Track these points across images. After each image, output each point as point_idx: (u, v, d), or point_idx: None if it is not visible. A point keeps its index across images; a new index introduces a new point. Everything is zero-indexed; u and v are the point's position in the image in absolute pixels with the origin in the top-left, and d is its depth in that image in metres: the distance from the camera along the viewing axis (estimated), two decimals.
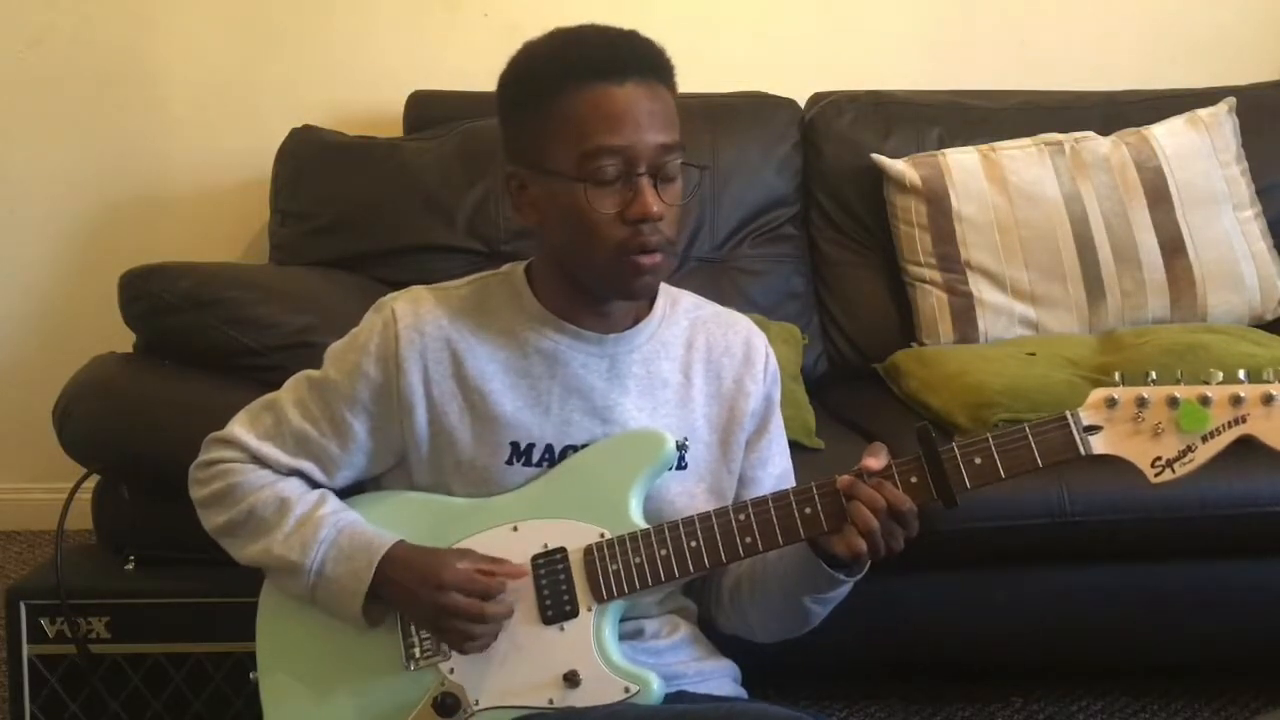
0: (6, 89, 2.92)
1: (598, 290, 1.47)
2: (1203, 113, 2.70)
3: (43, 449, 2.22)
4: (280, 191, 2.65)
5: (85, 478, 2.00)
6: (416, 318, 1.48)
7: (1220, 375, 1.35)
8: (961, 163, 2.62)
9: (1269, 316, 2.62)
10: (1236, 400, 1.33)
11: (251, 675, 1.54)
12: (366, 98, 2.92)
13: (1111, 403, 1.35)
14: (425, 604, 1.42)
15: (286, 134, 2.68)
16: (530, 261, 1.55)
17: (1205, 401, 1.34)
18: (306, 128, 2.71)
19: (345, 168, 2.63)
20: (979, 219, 2.58)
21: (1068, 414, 1.36)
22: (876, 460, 1.38)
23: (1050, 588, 2.13)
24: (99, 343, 2.22)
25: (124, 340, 2.20)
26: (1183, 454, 1.34)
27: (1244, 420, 1.33)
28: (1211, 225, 2.60)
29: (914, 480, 1.37)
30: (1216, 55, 3.06)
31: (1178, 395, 1.34)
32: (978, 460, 1.36)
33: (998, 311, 2.56)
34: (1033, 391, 2.13)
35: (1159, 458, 1.35)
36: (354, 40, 2.95)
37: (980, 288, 2.56)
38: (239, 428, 1.53)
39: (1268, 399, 1.33)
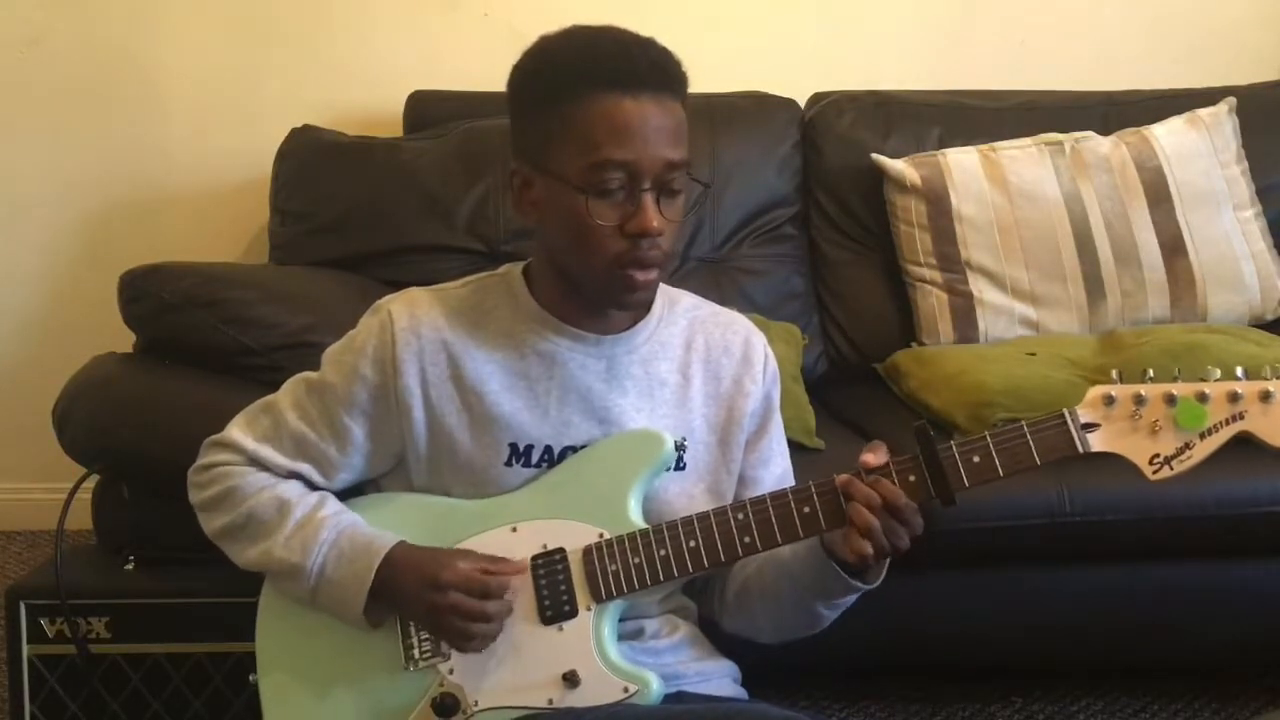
0: (6, 89, 2.92)
1: (591, 296, 1.47)
2: (1203, 113, 2.70)
3: (43, 449, 2.22)
4: (280, 191, 2.65)
5: (85, 478, 2.00)
6: (413, 320, 1.48)
7: (1218, 372, 1.35)
8: (961, 163, 2.62)
9: (1269, 316, 2.62)
10: (1234, 397, 1.33)
11: (251, 677, 1.54)
12: (366, 98, 2.92)
13: (1109, 400, 1.35)
14: (425, 604, 1.42)
15: (286, 134, 2.68)
16: (528, 262, 1.54)
17: (1203, 398, 1.34)
18: (306, 128, 2.71)
19: (345, 168, 2.63)
20: (979, 219, 2.58)
21: (1065, 412, 1.36)
22: (875, 456, 1.38)
23: (1050, 588, 2.13)
24: (99, 343, 2.22)
25: (124, 340, 2.20)
26: (1180, 451, 1.34)
27: (1241, 417, 1.33)
28: (1211, 225, 2.60)
29: (912, 479, 1.37)
30: (1216, 55, 3.06)
31: (1175, 392, 1.34)
32: (976, 459, 1.36)
33: (998, 311, 2.56)
34: (1033, 391, 2.13)
35: (1157, 455, 1.35)
36: (354, 40, 2.95)
37: (980, 288, 2.56)
38: (236, 431, 1.53)
39: (1265, 396, 1.33)
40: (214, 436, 1.54)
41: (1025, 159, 2.63)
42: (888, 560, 1.43)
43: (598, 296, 1.46)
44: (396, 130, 2.80)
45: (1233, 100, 2.73)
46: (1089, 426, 1.35)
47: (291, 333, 2.09)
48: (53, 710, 1.92)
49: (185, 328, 2.08)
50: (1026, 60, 3.03)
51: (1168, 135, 2.66)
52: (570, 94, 1.38)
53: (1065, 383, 2.15)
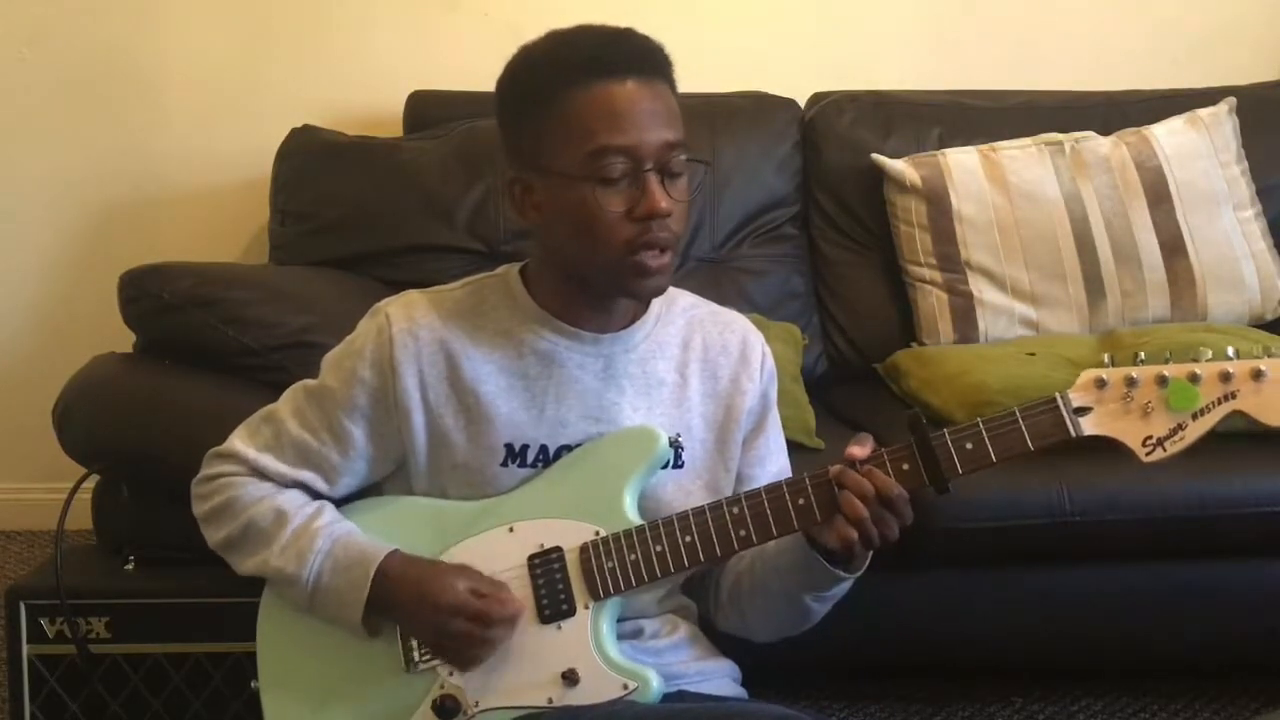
0: (6, 89, 2.92)
1: (604, 289, 1.47)
2: (1203, 113, 2.70)
3: (43, 449, 2.23)
4: (280, 191, 2.65)
5: (85, 478, 2.00)
6: (411, 322, 1.48)
7: (1209, 353, 1.34)
8: (961, 163, 2.62)
9: (1269, 316, 2.61)
10: (1225, 376, 1.32)
11: (252, 684, 1.54)
12: (366, 98, 2.92)
13: (1101, 383, 1.35)
14: (425, 624, 1.43)
15: (286, 134, 2.68)
16: (525, 263, 1.55)
17: (1194, 379, 1.33)
18: (306, 128, 2.71)
19: (345, 168, 2.63)
20: (979, 219, 2.58)
21: (1058, 395, 1.36)
22: (861, 449, 1.38)
23: (1050, 588, 2.13)
24: (99, 343, 2.22)
25: (124, 340, 2.20)
26: (1173, 432, 1.33)
27: (1234, 396, 1.32)
28: (1211, 225, 2.60)
29: (906, 467, 1.37)
30: (1216, 55, 3.05)
31: (1166, 374, 1.33)
32: (969, 445, 1.36)
33: (998, 311, 2.56)
34: (1032, 391, 2.08)
35: (1149, 437, 1.34)
36: (354, 40, 2.95)
37: (980, 288, 2.56)
38: (238, 441, 1.53)
39: (1257, 374, 1.32)
40: (216, 448, 1.55)
41: (1025, 159, 2.63)
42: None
43: (610, 287, 1.46)
44: (396, 130, 2.80)
45: (1233, 100, 2.73)
46: (1081, 410, 1.35)
47: (291, 333, 2.09)
48: (53, 710, 1.92)
49: (185, 328, 2.08)
50: (1026, 60, 3.03)
51: (1168, 135, 2.66)
52: (558, 90, 1.39)
53: (1065, 382, 2.10)
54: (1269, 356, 1.32)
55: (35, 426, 2.26)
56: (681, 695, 1.47)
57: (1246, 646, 2.21)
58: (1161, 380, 1.34)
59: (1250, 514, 2.04)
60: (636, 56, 1.40)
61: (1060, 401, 1.36)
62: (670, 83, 1.43)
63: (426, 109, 2.78)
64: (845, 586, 1.47)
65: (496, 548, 1.44)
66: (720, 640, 1.60)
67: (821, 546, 1.41)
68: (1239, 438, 1.35)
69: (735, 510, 1.41)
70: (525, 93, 1.43)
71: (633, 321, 1.52)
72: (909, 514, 1.37)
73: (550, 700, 1.41)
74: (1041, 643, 2.18)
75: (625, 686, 1.40)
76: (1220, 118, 2.69)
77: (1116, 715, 2.25)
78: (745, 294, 2.60)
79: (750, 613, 1.55)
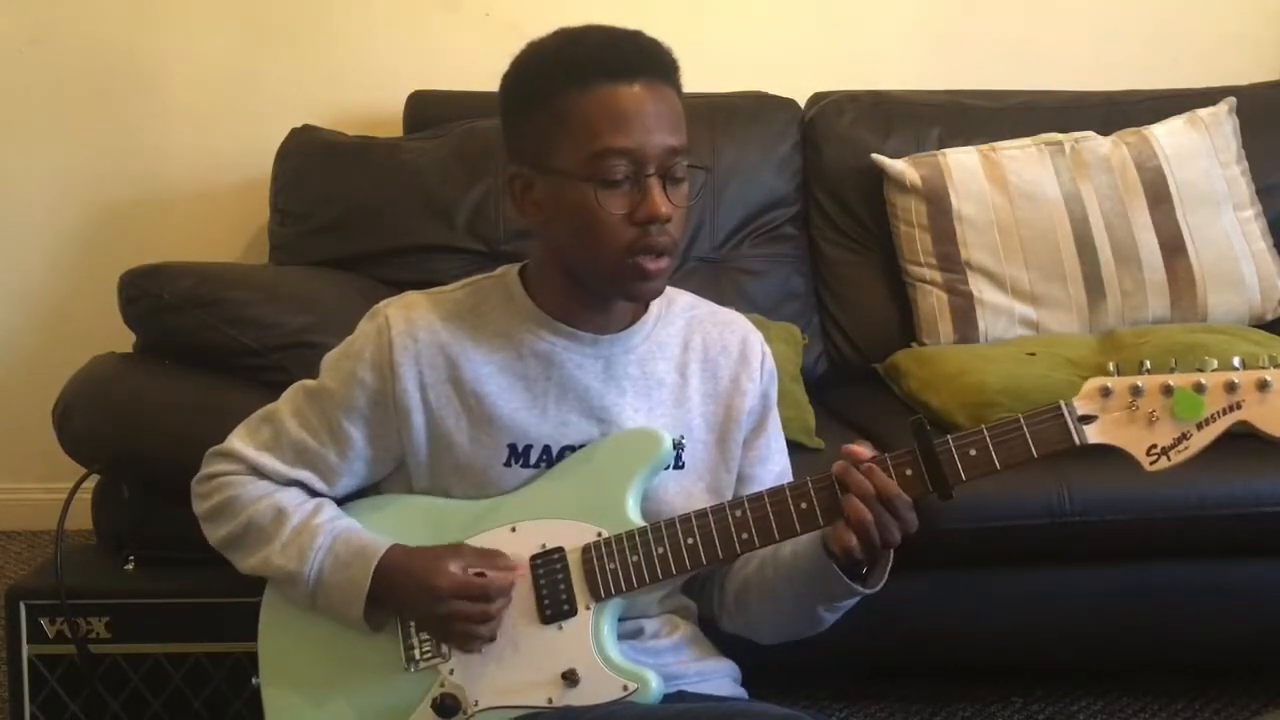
0: (6, 89, 2.92)
1: (602, 291, 1.47)
2: (1203, 113, 2.70)
3: (43, 449, 2.23)
4: (280, 191, 2.65)
5: (85, 478, 2.00)
6: (410, 323, 1.48)
7: (1215, 363, 1.34)
8: (961, 163, 2.62)
9: (1269, 316, 2.61)
10: (1231, 387, 1.32)
11: (253, 680, 1.54)
12: (366, 98, 2.92)
13: (1106, 392, 1.35)
14: (426, 613, 1.43)
15: (286, 134, 2.68)
16: (524, 263, 1.55)
17: (1200, 389, 1.33)
18: (306, 128, 2.71)
19: (345, 168, 2.63)
20: (979, 219, 2.58)
21: (1062, 404, 1.35)
22: (862, 448, 1.38)
23: (1050, 588, 2.13)
24: (99, 343, 2.22)
25: (124, 340, 2.20)
26: (1178, 441, 1.33)
27: (1239, 406, 1.32)
28: (1211, 225, 2.60)
29: (909, 473, 1.37)
30: (1216, 55, 3.05)
31: (1172, 383, 1.33)
32: (973, 452, 1.36)
33: (998, 311, 2.56)
34: (1032, 391, 2.13)
35: (1154, 446, 1.34)
36: (354, 40, 2.95)
37: (980, 288, 2.56)
38: (238, 441, 1.53)
39: (1262, 385, 1.32)
40: (216, 447, 1.55)
41: (1025, 159, 2.63)
42: (889, 564, 1.43)
43: (608, 289, 1.46)
44: (396, 130, 2.80)
45: (1233, 100, 2.73)
46: (1086, 419, 1.35)
47: (291, 333, 2.09)
48: (53, 710, 1.92)
49: (185, 328, 2.08)
50: (1026, 60, 3.03)
51: (1168, 135, 2.66)
52: (564, 88, 1.38)
53: (1065, 382, 2.15)
54: (1275, 367, 1.32)
55: (35, 426, 2.26)
56: (681, 695, 1.47)
57: (1246, 646, 2.21)
58: (1167, 389, 1.33)
59: (1250, 514, 2.04)
60: (644, 59, 1.40)
61: (1065, 409, 1.35)
62: (676, 87, 1.43)
63: (426, 109, 2.78)
64: (858, 599, 1.46)
65: (498, 547, 1.44)
66: (720, 640, 1.60)
67: (838, 558, 1.40)
68: (1239, 437, 1.35)
69: (738, 513, 1.41)
70: (531, 90, 1.42)
71: (632, 322, 1.51)
72: (912, 520, 1.37)
73: (550, 700, 1.41)
74: (1041, 643, 2.18)
75: (625, 687, 1.40)
76: (1220, 118, 2.69)
77: (1116, 715, 2.25)
78: (745, 294, 2.60)
79: (758, 617, 1.55)
